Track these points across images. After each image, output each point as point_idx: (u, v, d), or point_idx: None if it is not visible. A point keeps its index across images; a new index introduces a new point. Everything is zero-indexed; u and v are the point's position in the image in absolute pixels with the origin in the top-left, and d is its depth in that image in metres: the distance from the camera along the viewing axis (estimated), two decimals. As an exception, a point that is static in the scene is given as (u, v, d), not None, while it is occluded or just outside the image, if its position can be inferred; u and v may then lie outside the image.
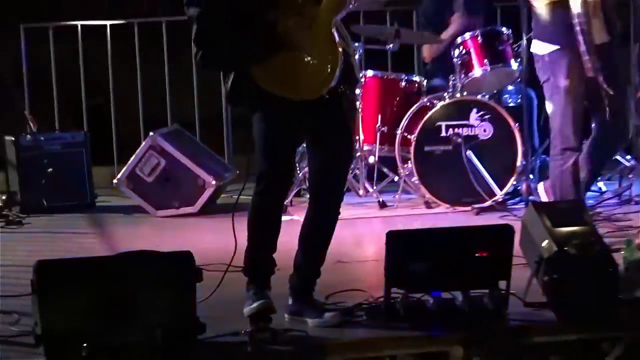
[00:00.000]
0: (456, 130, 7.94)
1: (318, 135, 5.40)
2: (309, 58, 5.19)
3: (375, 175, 8.35)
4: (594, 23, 6.66)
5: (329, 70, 5.19)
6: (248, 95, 5.27)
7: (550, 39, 6.81)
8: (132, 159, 8.41)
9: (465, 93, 8.07)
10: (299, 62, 5.19)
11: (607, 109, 6.80)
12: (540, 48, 6.89)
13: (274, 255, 5.44)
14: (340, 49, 5.21)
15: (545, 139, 8.26)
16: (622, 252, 5.57)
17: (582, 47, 6.65)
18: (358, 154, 8.15)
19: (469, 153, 7.91)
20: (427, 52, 8.85)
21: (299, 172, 7.93)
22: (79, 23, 9.61)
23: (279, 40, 5.16)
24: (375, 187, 8.28)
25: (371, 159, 8.24)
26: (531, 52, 7.85)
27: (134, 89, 9.70)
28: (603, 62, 6.71)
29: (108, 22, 9.60)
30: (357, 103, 8.01)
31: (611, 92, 6.73)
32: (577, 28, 6.63)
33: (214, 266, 5.50)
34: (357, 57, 8.04)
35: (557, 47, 6.73)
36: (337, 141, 5.39)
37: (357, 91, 7.96)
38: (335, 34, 5.24)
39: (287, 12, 5.17)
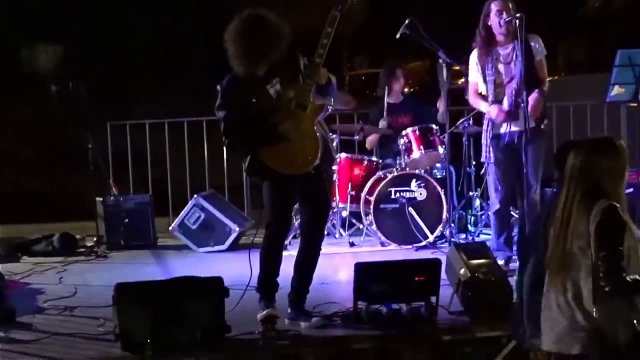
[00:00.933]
0: (402, 194, 7.90)
1: (306, 197, 5.43)
2: (299, 146, 5.24)
3: (347, 224, 8.31)
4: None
5: (312, 155, 5.25)
6: (259, 170, 5.33)
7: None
8: (182, 212, 8.37)
9: (407, 169, 8.05)
10: (292, 149, 5.24)
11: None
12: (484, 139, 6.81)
13: (277, 279, 5.42)
14: (320, 140, 5.26)
15: (462, 200, 8.26)
16: (514, 277, 5.55)
17: (485, 140, 6.62)
18: (335, 209, 8.14)
19: (410, 209, 7.87)
20: (370, 144, 8.78)
21: (295, 222, 7.89)
22: (147, 121, 9.58)
23: (279, 135, 5.22)
24: (346, 232, 8.24)
25: (344, 213, 8.22)
26: (451, 141, 7.88)
27: (183, 164, 9.64)
28: (510, 149, 6.53)
29: (166, 120, 9.57)
30: (334, 175, 8.01)
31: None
32: (485, 127, 6.61)
33: (237, 286, 5.47)
34: (334, 143, 8.11)
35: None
36: (318, 201, 5.42)
37: (334, 167, 7.97)
38: (317, 129, 5.28)
39: (284, 116, 5.24)
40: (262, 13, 5.23)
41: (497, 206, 6.69)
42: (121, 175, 9.55)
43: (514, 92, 6.48)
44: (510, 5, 6.51)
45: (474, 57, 6.67)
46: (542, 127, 6.61)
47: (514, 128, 6.53)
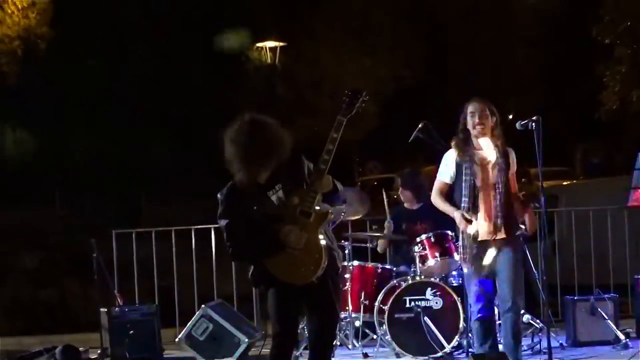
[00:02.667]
0: (417, 302, 7.83)
1: (312, 307, 5.42)
2: (302, 256, 5.23)
3: (360, 334, 8.22)
4: (481, 224, 6.53)
5: (315, 265, 5.23)
6: (263, 279, 5.34)
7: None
8: (189, 323, 8.32)
9: (422, 277, 8.00)
10: (294, 259, 5.22)
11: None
12: None
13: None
14: (325, 249, 5.24)
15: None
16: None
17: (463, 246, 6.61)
18: (348, 319, 8.08)
19: (426, 319, 7.79)
20: (381, 248, 8.84)
21: (306, 332, 7.82)
22: (153, 229, 9.63)
23: (281, 243, 5.22)
24: (360, 343, 8.15)
25: (357, 323, 8.16)
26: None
27: (190, 273, 9.64)
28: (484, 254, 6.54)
29: (173, 228, 9.59)
30: (347, 283, 7.98)
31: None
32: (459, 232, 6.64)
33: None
34: (347, 251, 8.09)
35: None
36: (325, 311, 5.39)
37: (347, 275, 7.96)
38: (322, 238, 5.28)
39: (288, 223, 5.24)
40: (263, 117, 5.29)
41: (479, 314, 6.68)
42: (127, 284, 9.53)
43: (498, 205, 6.51)
44: (487, 109, 6.59)
45: (449, 156, 6.71)
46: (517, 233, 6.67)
47: (498, 236, 6.55)
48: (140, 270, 9.63)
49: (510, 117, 20.80)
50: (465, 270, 6.74)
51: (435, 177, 6.89)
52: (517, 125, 6.52)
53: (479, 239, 6.55)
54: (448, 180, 6.70)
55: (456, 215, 6.57)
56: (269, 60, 22.60)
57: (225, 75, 21.32)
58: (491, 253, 6.51)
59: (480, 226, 6.55)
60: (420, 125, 7.67)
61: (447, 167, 6.71)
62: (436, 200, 6.78)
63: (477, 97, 6.70)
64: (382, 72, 24.88)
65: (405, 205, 8.72)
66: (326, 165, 5.20)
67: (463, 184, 6.57)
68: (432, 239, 8.03)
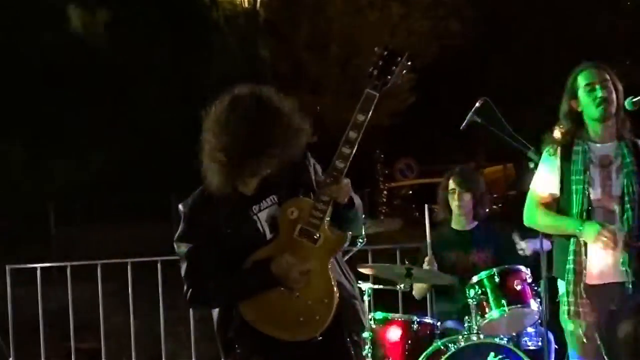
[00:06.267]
0: (473, 375, 7.85)
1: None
2: (302, 298, 5.22)
3: None
4: (597, 262, 6.49)
5: (322, 312, 5.22)
6: (240, 336, 5.33)
7: (560, 276, 6.71)
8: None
9: (481, 336, 7.90)
10: (290, 301, 5.22)
11: None
12: (559, 288, 6.77)
13: None
14: (337, 288, 5.24)
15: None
16: None
17: (568, 288, 6.57)
18: (369, 400, 8.07)
19: (488, 400, 7.77)
20: (418, 292, 8.78)
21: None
22: (68, 264, 9.62)
23: (270, 278, 5.19)
24: None
25: (382, 407, 8.15)
26: (550, 292, 7.72)
27: (127, 331, 9.68)
28: (601, 305, 6.52)
29: (99, 262, 9.58)
30: (367, 346, 7.87)
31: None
32: (568, 266, 6.54)
33: None
34: (366, 298, 7.98)
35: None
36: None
37: (366, 334, 7.82)
38: (333, 272, 5.28)
39: (281, 248, 5.23)
40: (270, 92, 5.24)
41: None
42: (29, 347, 9.62)
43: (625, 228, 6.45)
44: (608, 77, 6.55)
45: (550, 156, 6.70)
46: None
47: (617, 278, 6.46)
48: (49, 325, 9.67)
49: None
50: (570, 327, 6.63)
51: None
52: (627, 102, 6.53)
53: (591, 283, 6.49)
54: (555, 190, 6.64)
55: (588, 230, 6.40)
56: (246, 5, 22.59)
57: (181, 31, 21.32)
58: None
59: (597, 261, 6.49)
60: (477, 104, 7.54)
61: (550, 172, 6.66)
62: (539, 215, 6.68)
63: (591, 62, 6.64)
64: (419, 27, 25.05)
65: (455, 224, 8.65)
66: (346, 163, 5.17)
67: (573, 197, 6.52)
68: (497, 278, 7.91)
